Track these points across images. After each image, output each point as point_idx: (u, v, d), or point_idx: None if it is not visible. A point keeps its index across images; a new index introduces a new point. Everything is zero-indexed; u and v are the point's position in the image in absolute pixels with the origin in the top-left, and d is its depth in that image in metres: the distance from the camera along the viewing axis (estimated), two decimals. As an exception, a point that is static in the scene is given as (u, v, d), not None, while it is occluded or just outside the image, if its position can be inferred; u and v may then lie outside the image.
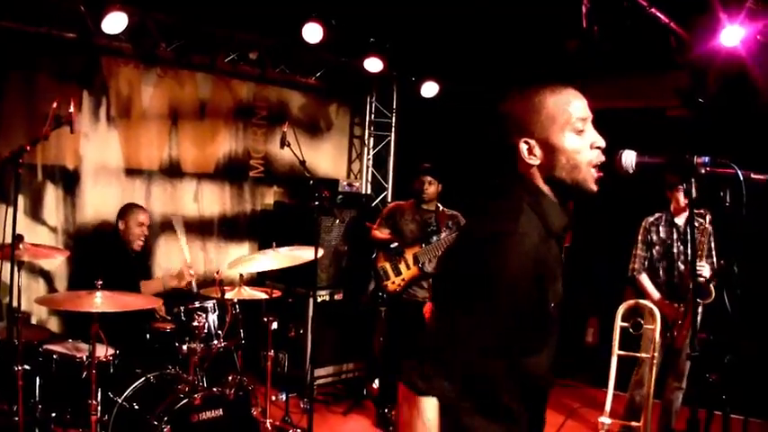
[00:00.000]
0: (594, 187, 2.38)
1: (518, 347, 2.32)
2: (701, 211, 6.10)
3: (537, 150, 2.36)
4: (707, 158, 2.50)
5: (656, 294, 6.39)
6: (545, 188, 2.39)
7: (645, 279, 6.51)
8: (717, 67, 6.77)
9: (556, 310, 2.39)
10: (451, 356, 2.19)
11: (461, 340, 2.20)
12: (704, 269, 6.19)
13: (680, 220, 6.51)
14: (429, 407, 2.18)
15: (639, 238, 6.61)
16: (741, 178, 2.47)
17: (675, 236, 6.48)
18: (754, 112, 7.10)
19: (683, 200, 6.39)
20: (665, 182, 6.51)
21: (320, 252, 6.13)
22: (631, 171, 2.51)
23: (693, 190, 2.54)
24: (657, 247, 6.52)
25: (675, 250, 6.47)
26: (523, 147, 2.36)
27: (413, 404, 2.19)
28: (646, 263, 6.56)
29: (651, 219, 6.59)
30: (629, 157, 2.50)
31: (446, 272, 2.44)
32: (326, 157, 9.78)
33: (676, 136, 7.06)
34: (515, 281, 2.20)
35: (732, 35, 6.30)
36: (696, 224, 6.43)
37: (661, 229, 6.51)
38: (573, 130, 2.33)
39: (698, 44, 6.63)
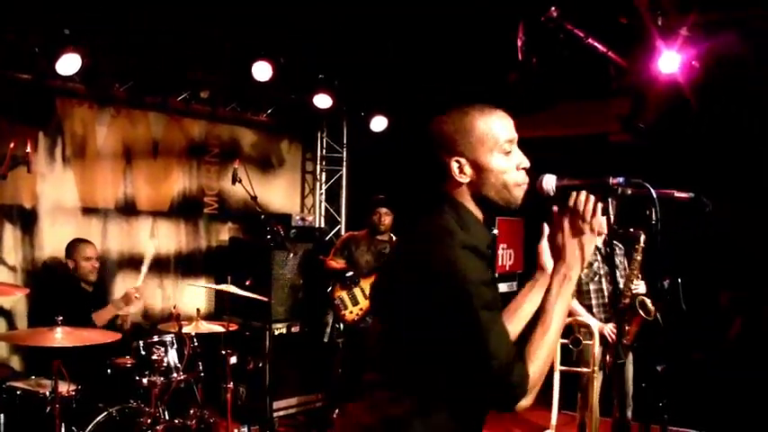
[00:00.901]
0: (518, 205, 2.52)
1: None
2: (637, 231, 6.22)
3: (467, 169, 2.47)
4: (622, 179, 2.61)
5: (587, 318, 6.42)
6: (470, 205, 2.52)
7: (574, 303, 6.49)
8: (656, 93, 6.96)
9: None
10: (502, 350, 2.27)
11: (493, 326, 2.29)
12: (640, 287, 6.31)
13: (599, 242, 6.63)
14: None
15: None
16: (654, 196, 2.60)
17: (599, 257, 6.62)
18: (691, 135, 7.34)
19: (603, 222, 6.51)
20: None
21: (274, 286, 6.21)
22: (552, 193, 2.61)
23: (611, 210, 2.65)
24: (585, 271, 6.55)
25: (602, 272, 6.59)
26: (454, 165, 2.47)
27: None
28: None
29: None
30: (549, 181, 2.60)
31: (397, 291, 2.48)
32: (279, 193, 9.87)
33: (619, 161, 7.25)
34: (483, 282, 2.30)
35: (669, 62, 6.49)
36: (617, 246, 6.62)
37: None
38: (501, 152, 2.46)
39: (636, 71, 6.83)
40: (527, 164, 2.52)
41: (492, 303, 2.31)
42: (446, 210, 2.50)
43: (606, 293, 6.56)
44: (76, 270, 6.61)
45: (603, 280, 6.57)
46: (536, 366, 2.33)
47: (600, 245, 6.60)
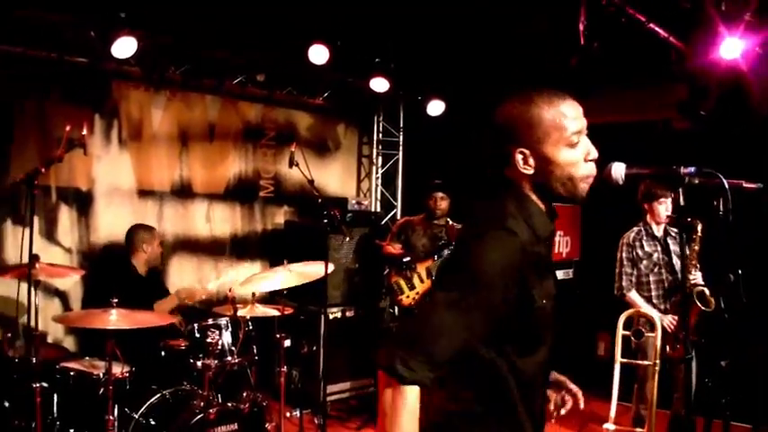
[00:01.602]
0: (583, 198, 2.46)
1: (509, 344, 2.39)
2: (694, 220, 6.06)
3: (531, 161, 2.41)
4: (693, 169, 2.53)
5: (648, 310, 6.30)
6: (532, 195, 2.46)
7: (635, 295, 6.45)
8: (717, 80, 6.81)
9: (549, 306, 2.45)
10: (429, 342, 2.24)
11: (445, 329, 2.24)
12: (698, 278, 6.20)
13: (659, 232, 6.52)
14: (412, 395, 2.23)
15: (624, 255, 6.53)
16: (726, 187, 2.51)
17: (660, 248, 6.50)
18: (751, 124, 7.16)
19: (663, 212, 6.40)
20: (643, 193, 6.49)
21: (331, 268, 6.17)
22: (621, 183, 2.55)
23: (681, 200, 2.57)
24: (645, 262, 6.47)
25: (662, 262, 6.47)
26: (519, 157, 2.42)
27: (397, 392, 2.22)
28: (633, 279, 6.53)
29: (632, 234, 6.54)
30: (618, 169, 2.54)
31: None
32: (335, 177, 9.86)
33: (678, 148, 7.10)
34: (496, 274, 2.26)
35: (732, 48, 6.34)
36: (676, 236, 6.49)
37: (644, 243, 6.48)
38: (567, 144, 2.38)
39: (698, 57, 6.68)
40: (595, 155, 2.45)
41: (480, 312, 2.27)
42: (508, 198, 2.46)
43: (666, 284, 6.43)
44: (151, 255, 6.70)
45: (663, 270, 6.44)
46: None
47: (660, 234, 6.48)
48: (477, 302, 2.25)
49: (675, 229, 6.48)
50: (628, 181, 2.54)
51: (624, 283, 6.50)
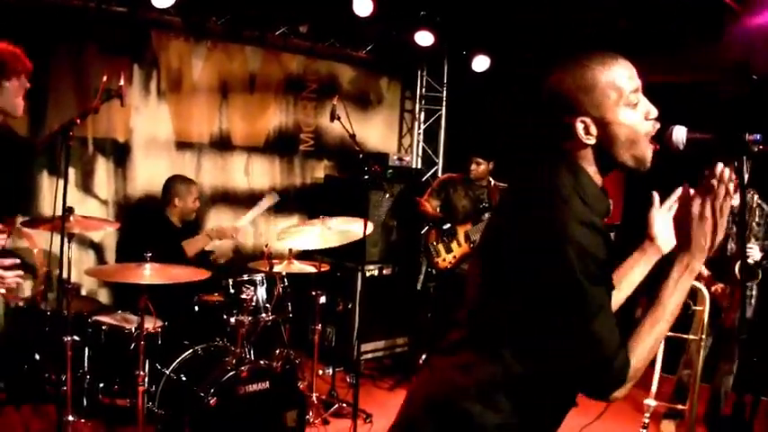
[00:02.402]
0: (650, 161, 2.33)
1: None
2: (749, 191, 5.88)
3: (593, 129, 2.28)
4: (758, 136, 2.41)
5: (704, 271, 6.20)
6: (590, 169, 2.33)
7: None
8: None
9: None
10: (612, 344, 2.15)
11: (602, 321, 2.14)
12: (754, 250, 6.03)
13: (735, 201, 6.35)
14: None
15: None
16: None
17: (731, 217, 6.32)
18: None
19: None
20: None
21: (370, 227, 6.08)
22: (681, 147, 2.42)
23: (746, 169, 2.44)
24: None
25: (731, 232, 6.27)
26: (580, 126, 2.28)
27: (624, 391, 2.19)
28: None
29: None
30: (679, 133, 2.40)
31: (511, 268, 2.29)
32: (377, 131, 9.74)
33: (727, 113, 6.91)
34: (601, 255, 2.16)
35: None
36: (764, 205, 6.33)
37: None
38: (628, 105, 2.26)
39: (752, 19, 6.47)
40: (655, 112, 2.32)
41: (601, 281, 2.16)
42: (563, 172, 2.32)
43: (720, 253, 6.25)
44: (184, 210, 6.61)
45: (730, 239, 6.26)
46: (639, 358, 2.19)
47: (735, 204, 6.31)
48: (593, 262, 2.14)
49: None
50: (687, 146, 2.41)
51: None
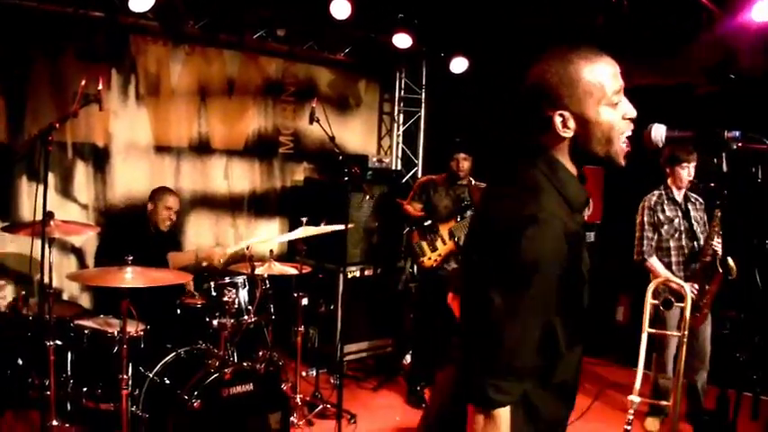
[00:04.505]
0: (623, 161, 2.34)
1: (567, 321, 2.29)
2: (717, 186, 5.92)
3: (571, 123, 2.29)
4: (738, 133, 2.44)
5: (672, 278, 6.15)
6: (566, 161, 2.35)
7: (655, 261, 6.35)
8: (748, 43, 6.65)
9: (586, 275, 2.38)
10: (513, 359, 2.14)
11: (520, 338, 2.14)
12: (719, 246, 6.08)
13: (679, 197, 6.39)
14: (505, 414, 2.16)
15: (645, 219, 6.41)
16: None
17: (680, 213, 6.37)
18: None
19: (686, 177, 6.28)
20: (667, 157, 6.36)
21: (350, 226, 6.10)
22: (661, 145, 2.45)
23: (725, 165, 2.48)
24: (666, 227, 6.36)
25: (683, 228, 6.35)
26: (558, 119, 2.29)
27: (490, 418, 2.15)
28: (654, 245, 6.41)
29: (654, 198, 6.41)
30: (658, 131, 2.44)
31: (478, 258, 2.33)
32: (356, 134, 9.76)
33: (706, 113, 6.95)
34: (556, 265, 2.15)
35: (764, 10, 6.19)
36: (696, 202, 6.39)
37: (666, 207, 6.36)
38: (609, 104, 2.27)
39: (728, 19, 6.52)
40: (634, 113, 2.33)
41: (545, 303, 2.17)
42: (540, 165, 2.33)
43: (687, 250, 6.31)
44: (153, 215, 6.57)
45: (684, 236, 6.33)
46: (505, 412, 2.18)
47: (680, 199, 6.36)
48: (542, 296, 2.15)
49: (695, 195, 6.38)
50: (667, 143, 2.44)
51: (645, 248, 6.39)
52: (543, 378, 2.28)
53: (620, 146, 2.31)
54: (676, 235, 6.33)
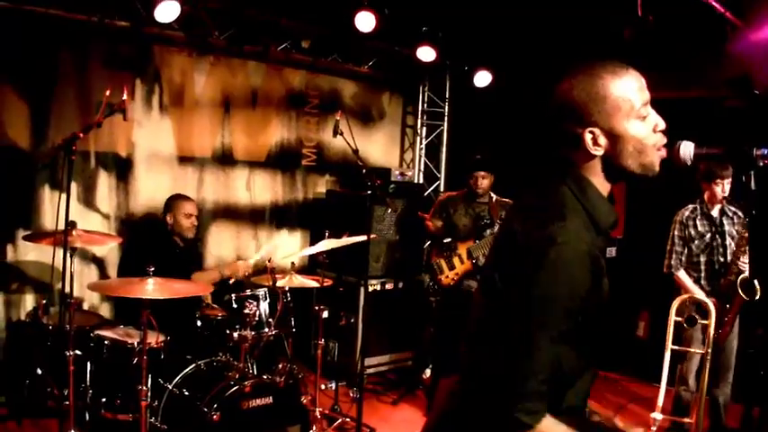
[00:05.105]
0: (656, 172, 2.30)
1: (581, 348, 2.27)
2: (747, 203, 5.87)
3: (602, 140, 2.26)
4: (766, 150, 2.41)
5: (696, 292, 6.17)
6: (596, 179, 2.31)
7: (683, 275, 6.32)
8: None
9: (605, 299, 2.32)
10: (530, 381, 2.11)
11: (541, 359, 2.12)
12: (746, 265, 6.01)
13: (715, 212, 6.34)
14: (548, 423, 2.14)
15: (675, 233, 6.39)
16: None
17: (713, 229, 6.32)
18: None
19: (720, 193, 6.23)
20: (703, 172, 6.33)
21: (373, 236, 6.08)
22: (689, 163, 2.41)
23: (753, 182, 2.44)
24: (696, 242, 6.31)
25: (715, 243, 6.29)
26: (588, 137, 2.25)
27: None
28: (683, 258, 6.38)
29: (687, 212, 6.37)
30: (687, 149, 2.40)
31: (500, 276, 2.31)
32: (379, 147, 9.73)
33: (732, 127, 6.90)
34: (575, 291, 2.12)
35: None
36: (734, 217, 6.32)
37: (698, 222, 6.32)
38: (637, 117, 2.24)
39: (753, 34, 6.47)
40: (663, 125, 2.30)
41: (561, 330, 2.13)
42: (568, 183, 2.30)
43: (717, 266, 6.25)
44: (175, 226, 6.53)
45: (715, 252, 6.27)
46: None
47: (716, 214, 6.31)
48: (558, 322, 2.12)
49: (734, 208, 6.31)
50: (695, 161, 2.40)
51: (673, 262, 6.37)
52: (553, 402, 2.23)
53: (655, 155, 2.29)
54: (707, 250, 6.28)
